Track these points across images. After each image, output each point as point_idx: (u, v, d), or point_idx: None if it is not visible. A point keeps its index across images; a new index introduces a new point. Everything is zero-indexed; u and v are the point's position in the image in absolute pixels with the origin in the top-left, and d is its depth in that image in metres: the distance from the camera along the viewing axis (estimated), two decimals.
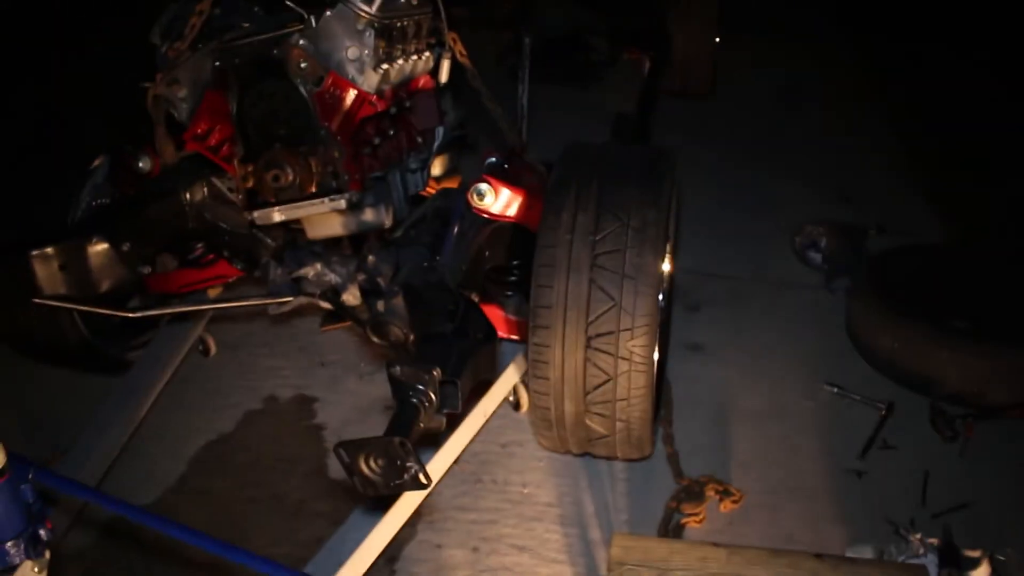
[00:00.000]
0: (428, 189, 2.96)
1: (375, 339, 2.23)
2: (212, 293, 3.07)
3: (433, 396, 1.73)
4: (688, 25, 5.25)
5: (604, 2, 5.43)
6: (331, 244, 2.76)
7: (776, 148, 5.06)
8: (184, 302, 2.84)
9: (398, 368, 1.72)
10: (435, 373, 1.73)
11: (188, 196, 2.72)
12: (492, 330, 2.08)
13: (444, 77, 2.74)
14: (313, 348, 3.27)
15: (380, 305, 2.19)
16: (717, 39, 5.39)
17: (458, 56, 2.75)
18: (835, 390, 2.98)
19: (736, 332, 3.34)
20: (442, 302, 2.11)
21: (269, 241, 2.76)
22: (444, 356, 1.82)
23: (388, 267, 2.30)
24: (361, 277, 2.31)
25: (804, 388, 3.02)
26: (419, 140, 2.79)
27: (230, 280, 2.93)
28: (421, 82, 2.76)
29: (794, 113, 5.63)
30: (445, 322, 2.01)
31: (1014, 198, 4.33)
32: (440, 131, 2.88)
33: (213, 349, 3.20)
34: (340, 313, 2.52)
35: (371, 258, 2.31)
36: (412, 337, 2.18)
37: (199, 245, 2.94)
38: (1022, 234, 4.00)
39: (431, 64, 2.71)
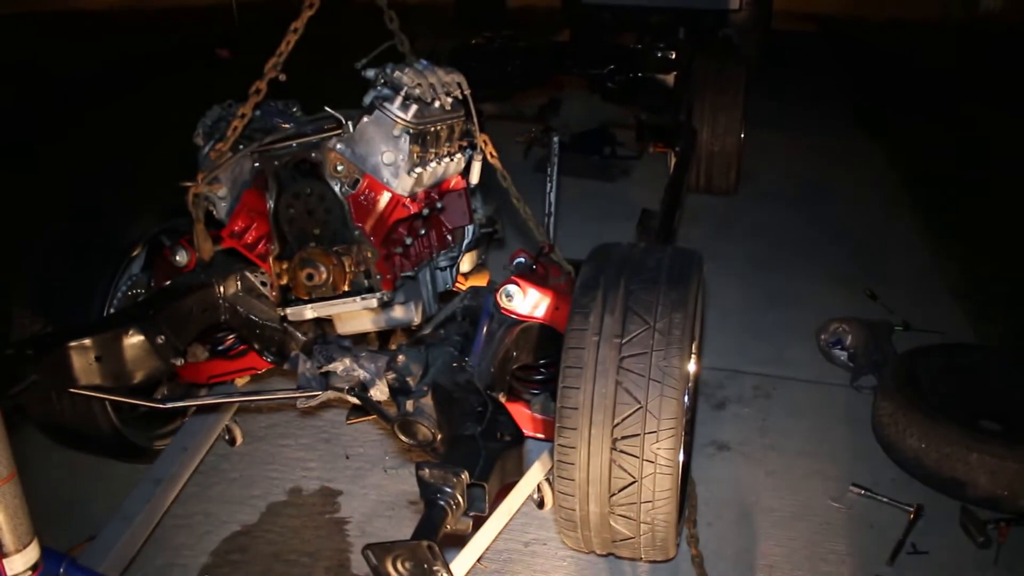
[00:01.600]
0: (456, 285, 3.02)
1: (402, 438, 2.25)
2: (239, 383, 3.12)
3: (461, 499, 1.74)
4: (713, 121, 5.38)
5: (630, 97, 5.58)
6: (359, 339, 2.81)
7: (800, 244, 5.11)
8: (213, 394, 2.89)
9: (427, 470, 1.73)
10: (463, 476, 1.75)
11: (222, 289, 2.81)
12: (519, 432, 2.10)
13: (475, 179, 2.82)
14: (338, 441, 3.29)
15: (409, 404, 2.21)
16: (742, 135, 5.50)
17: (489, 158, 2.83)
18: (862, 492, 2.95)
19: (762, 431, 3.33)
20: (471, 403, 2.14)
21: (299, 335, 2.82)
22: (472, 459, 1.84)
23: (417, 366, 2.33)
24: (390, 375, 2.34)
25: (831, 489, 2.99)
26: (449, 239, 2.86)
27: (259, 372, 2.98)
28: (452, 182, 2.83)
29: (818, 210, 5.69)
30: (473, 424, 2.03)
31: None
32: (470, 229, 2.95)
33: (239, 439, 3.22)
34: (367, 408, 2.55)
35: (401, 357, 2.35)
36: (440, 437, 2.20)
37: (229, 336, 3.01)
38: None
39: (462, 165, 2.79)
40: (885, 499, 2.91)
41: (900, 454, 3.03)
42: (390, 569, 1.62)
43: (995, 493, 2.79)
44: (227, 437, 3.21)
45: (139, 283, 2.98)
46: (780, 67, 9.80)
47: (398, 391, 2.30)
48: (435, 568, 1.59)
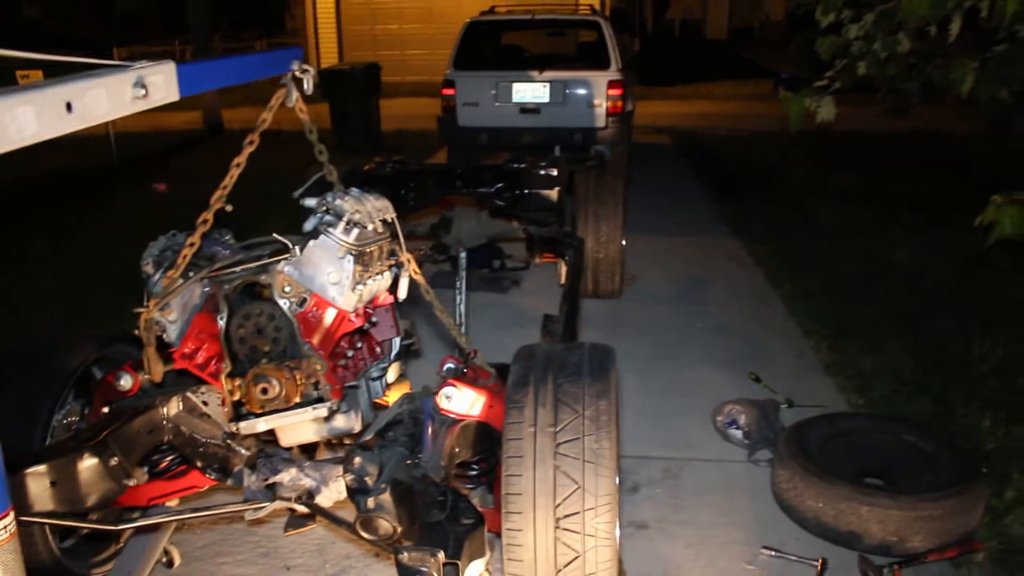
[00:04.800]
0: (384, 395, 3.21)
1: (364, 536, 2.40)
2: (172, 504, 3.18)
3: None
4: (596, 230, 5.79)
5: (517, 212, 5.95)
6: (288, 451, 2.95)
7: (686, 337, 5.53)
8: (163, 511, 2.94)
9: (405, 553, 1.92)
10: (439, 556, 1.93)
11: (166, 410, 2.92)
12: (480, 514, 2.30)
13: (403, 294, 3.05)
14: (277, 553, 3.37)
15: (369, 502, 2.37)
16: (624, 242, 5.94)
17: (412, 274, 3.08)
18: (772, 553, 3.25)
19: (675, 508, 3.61)
20: (431, 494, 2.32)
21: (242, 451, 2.94)
22: (443, 540, 2.03)
23: (373, 466, 2.50)
24: (348, 477, 2.50)
25: (744, 554, 3.28)
26: (379, 351, 3.07)
27: (201, 490, 3.07)
28: (380, 298, 3.07)
29: (697, 306, 6.16)
30: (438, 511, 2.22)
31: (896, 369, 4.85)
32: (396, 341, 3.17)
33: (177, 560, 3.26)
34: (318, 515, 2.69)
35: (357, 459, 2.52)
36: (400, 531, 2.36)
37: (166, 458, 3.09)
38: (907, 399, 4.49)
39: (390, 282, 3.03)
40: (793, 557, 3.22)
41: (800, 515, 3.36)
42: None
43: (886, 540, 3.14)
44: (164, 560, 3.25)
45: (72, 411, 3.05)
46: (646, 176, 10.53)
47: (356, 491, 2.46)
48: None
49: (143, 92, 1.82)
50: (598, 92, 9.14)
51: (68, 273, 6.86)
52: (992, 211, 4.46)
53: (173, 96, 1.97)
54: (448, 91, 9.46)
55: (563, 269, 5.44)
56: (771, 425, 4.05)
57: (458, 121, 9.46)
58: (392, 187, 5.84)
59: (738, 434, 4.07)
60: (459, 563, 1.96)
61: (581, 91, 9.18)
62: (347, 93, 12.56)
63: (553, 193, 6.00)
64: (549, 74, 9.24)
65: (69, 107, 1.59)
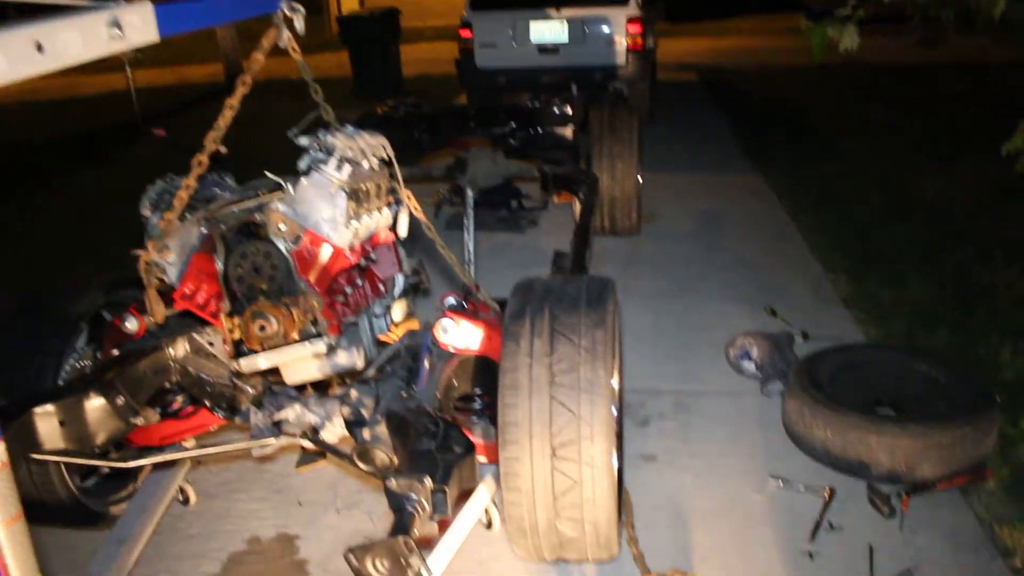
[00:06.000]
0: (389, 332, 3.23)
1: (361, 466, 2.44)
2: (187, 444, 3.25)
3: (426, 503, 1.95)
4: (612, 168, 5.74)
5: (532, 152, 5.92)
6: (300, 389, 2.99)
7: (703, 273, 5.49)
8: (173, 449, 3.01)
9: (394, 480, 1.94)
10: (427, 482, 1.96)
11: (172, 352, 2.96)
12: (470, 443, 2.32)
13: (403, 231, 3.06)
14: (289, 490, 3.43)
15: (365, 434, 2.41)
16: (640, 178, 5.88)
17: (413, 211, 3.08)
18: (780, 483, 3.25)
19: (685, 440, 3.61)
20: (423, 424, 2.35)
21: (249, 389, 2.98)
22: (432, 468, 2.05)
23: (369, 399, 2.53)
24: (345, 410, 2.54)
25: (752, 484, 3.28)
26: (382, 288, 3.09)
27: (211, 429, 3.13)
28: (382, 236, 3.07)
29: (715, 240, 6.10)
30: (429, 440, 2.24)
31: (916, 301, 4.78)
32: (399, 278, 3.18)
33: (193, 498, 3.33)
34: (322, 450, 2.73)
35: (353, 392, 2.55)
36: (396, 461, 2.40)
37: (177, 398, 3.15)
38: (925, 332, 4.43)
39: (390, 219, 3.03)
40: (802, 487, 3.22)
41: (810, 446, 3.35)
42: (370, 568, 1.81)
43: (895, 469, 3.12)
44: (181, 498, 3.32)
45: (85, 356, 3.11)
46: (670, 114, 10.39)
47: (354, 424, 2.50)
48: (411, 561, 1.79)
49: (119, 32, 1.81)
50: (617, 29, 8.99)
51: (86, 226, 6.96)
52: (1020, 138, 4.34)
53: (152, 36, 1.95)
54: (465, 32, 9.36)
55: (577, 207, 5.41)
56: (785, 357, 4.03)
57: (476, 63, 9.36)
58: (406, 129, 5.84)
59: (751, 367, 4.05)
60: (447, 490, 1.98)
61: (600, 29, 9.03)
62: (366, 39, 12.46)
63: (567, 131, 5.96)
64: (567, 12, 9.09)
65: (40, 47, 1.58)
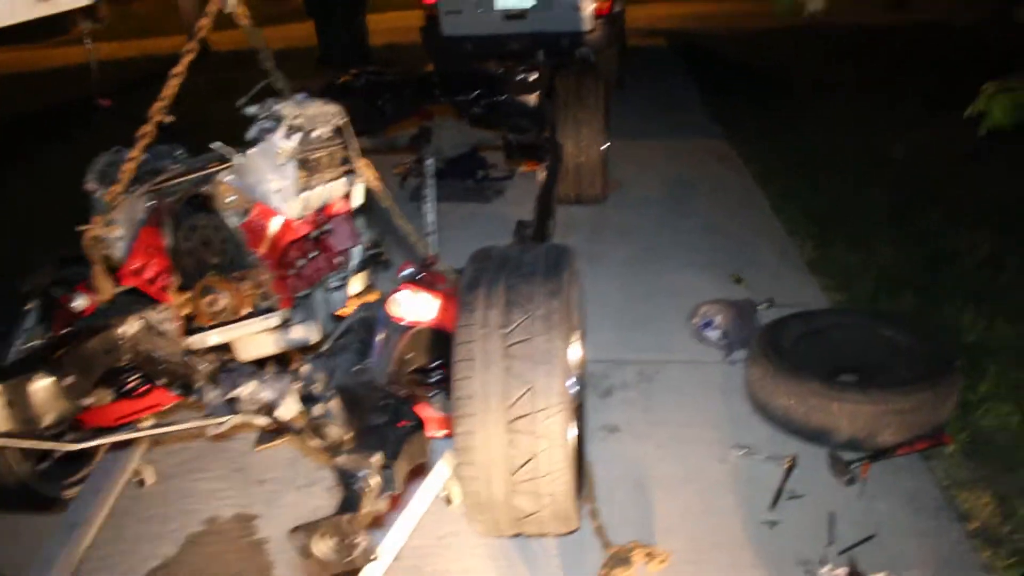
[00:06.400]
0: (346, 306, 3.17)
1: (314, 442, 2.40)
2: (143, 425, 3.18)
3: (375, 480, 1.91)
4: (577, 135, 5.68)
5: (497, 120, 5.83)
6: (260, 365, 2.94)
7: (669, 241, 5.45)
8: (127, 430, 2.94)
9: (342, 456, 1.90)
10: (376, 458, 1.92)
11: (123, 330, 2.88)
12: (419, 420, 2.28)
13: (357, 201, 2.99)
14: (249, 469, 3.38)
15: (318, 409, 2.36)
16: (606, 146, 5.82)
17: (369, 181, 3.01)
18: (742, 451, 3.24)
19: (647, 411, 3.59)
20: (374, 399, 2.31)
21: (202, 366, 2.92)
22: (381, 444, 2.01)
23: (322, 374, 2.48)
24: (298, 385, 2.49)
25: (715, 453, 3.27)
26: (338, 260, 3.03)
27: (165, 408, 3.06)
28: (337, 207, 3.00)
29: (683, 208, 6.06)
30: (379, 415, 2.20)
31: (882, 266, 4.78)
32: (357, 251, 3.12)
33: (149, 479, 3.28)
34: (277, 426, 2.68)
35: (306, 367, 2.50)
36: (348, 436, 2.35)
37: (132, 378, 3.08)
38: (890, 296, 4.43)
39: (345, 190, 2.96)
40: (763, 455, 3.21)
41: (772, 413, 3.34)
42: (316, 547, 1.77)
43: (855, 435, 3.12)
44: (136, 479, 3.27)
45: (34, 336, 3.03)
46: (639, 80, 10.32)
47: (307, 399, 2.45)
48: (357, 540, 1.76)
49: None
50: None
51: (49, 204, 6.81)
52: (984, 100, 4.32)
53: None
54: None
55: (542, 175, 5.35)
56: (748, 325, 4.01)
57: (442, 30, 9.21)
58: (368, 98, 5.73)
59: (714, 335, 4.03)
60: (396, 465, 1.95)
61: None
62: (331, 7, 12.23)
63: (533, 98, 5.87)
64: None
65: None
